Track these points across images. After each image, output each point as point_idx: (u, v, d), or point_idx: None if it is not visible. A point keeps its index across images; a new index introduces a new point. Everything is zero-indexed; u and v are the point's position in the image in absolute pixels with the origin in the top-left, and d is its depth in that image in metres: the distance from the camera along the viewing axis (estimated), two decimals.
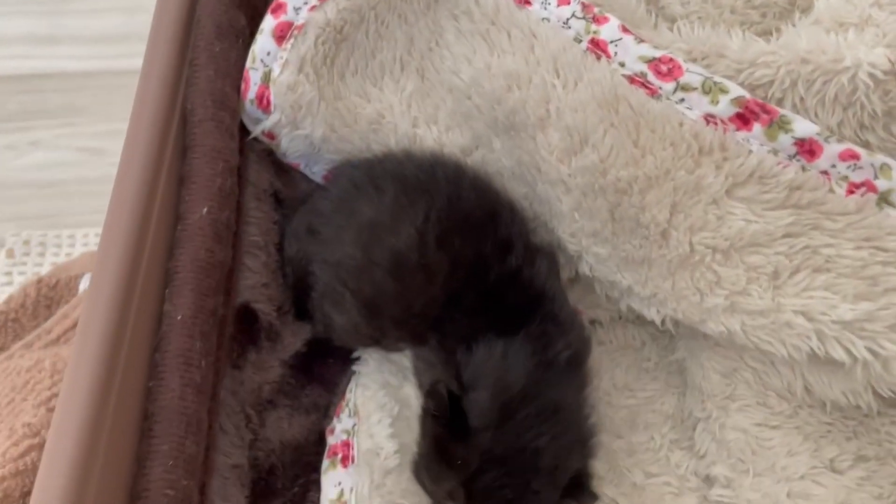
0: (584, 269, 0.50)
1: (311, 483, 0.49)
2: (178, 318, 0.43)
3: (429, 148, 0.53)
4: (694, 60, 0.45)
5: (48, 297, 0.66)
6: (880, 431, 0.43)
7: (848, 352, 0.39)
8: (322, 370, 0.54)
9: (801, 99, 0.44)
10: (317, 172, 0.58)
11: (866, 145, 0.44)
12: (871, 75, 0.42)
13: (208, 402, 0.43)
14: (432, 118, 0.53)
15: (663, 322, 0.48)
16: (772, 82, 0.44)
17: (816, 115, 0.44)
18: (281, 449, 0.49)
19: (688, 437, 0.50)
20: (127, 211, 0.44)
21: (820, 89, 0.43)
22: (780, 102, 0.45)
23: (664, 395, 0.52)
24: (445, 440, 0.40)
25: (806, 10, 0.52)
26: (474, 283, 0.42)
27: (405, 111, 0.53)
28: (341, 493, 0.48)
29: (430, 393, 0.41)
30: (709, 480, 0.47)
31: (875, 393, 0.41)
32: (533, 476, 0.39)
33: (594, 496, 0.42)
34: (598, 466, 0.48)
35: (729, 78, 0.44)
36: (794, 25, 0.50)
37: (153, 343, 0.43)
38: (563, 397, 0.41)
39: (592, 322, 0.56)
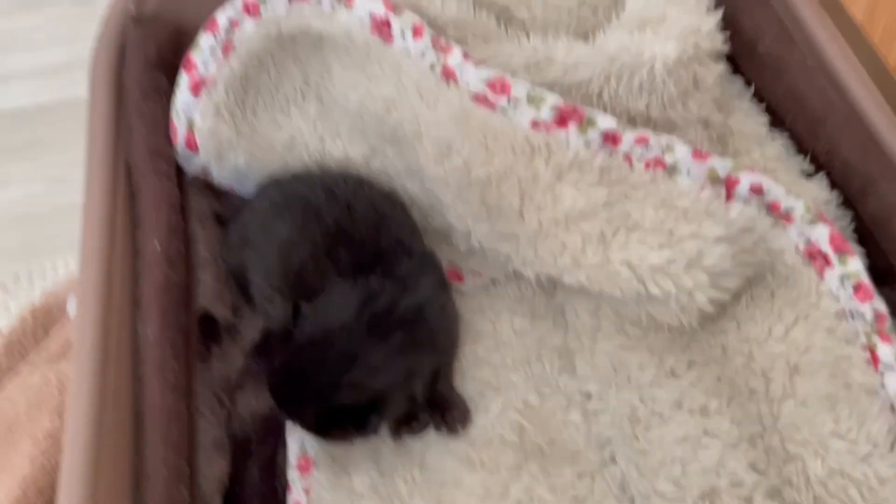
0: (475, 242, 0.62)
1: (280, 443, 0.61)
2: (150, 334, 0.54)
3: (337, 159, 0.64)
4: (528, 68, 0.56)
5: (43, 321, 0.77)
6: (703, 342, 0.55)
7: (660, 288, 0.51)
8: None
9: (615, 90, 0.55)
10: (248, 190, 0.68)
11: (669, 120, 0.55)
12: (664, 65, 0.53)
13: (185, 396, 0.55)
14: (336, 133, 0.64)
15: (538, 278, 0.60)
16: (591, 79, 0.55)
17: (629, 100, 0.55)
18: (252, 421, 0.62)
19: (571, 363, 0.62)
20: (95, 255, 0.55)
21: (627, 81, 0.55)
22: (599, 94, 0.56)
23: (553, 332, 0.64)
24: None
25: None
26: (359, 275, 0.54)
27: (312, 131, 0.63)
28: (304, 447, 0.60)
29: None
30: (587, 396, 0.60)
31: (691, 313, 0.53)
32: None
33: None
34: (504, 396, 0.61)
35: (558, 79, 0.56)
36: (617, 18, 0.61)
37: (134, 357, 0.54)
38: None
39: (493, 281, 0.68)
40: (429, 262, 0.57)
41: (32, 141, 1.08)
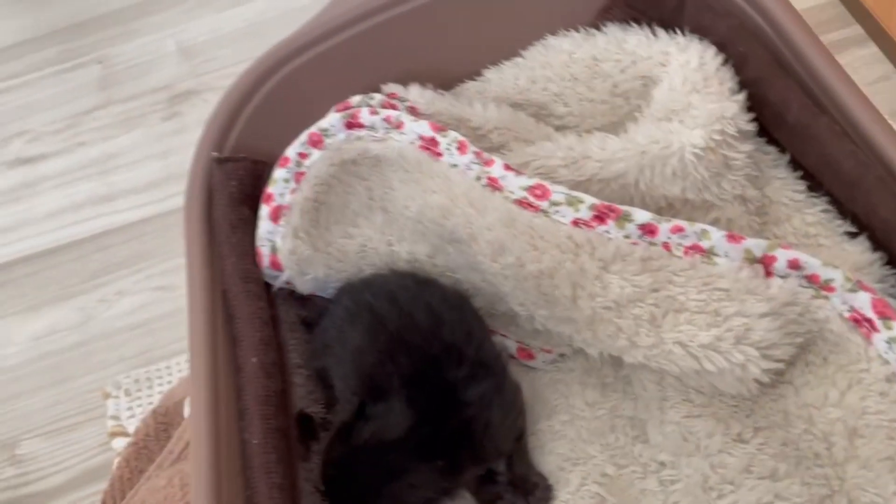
0: (538, 325, 0.66)
1: None
2: (255, 442, 0.61)
3: (405, 259, 0.70)
4: (567, 166, 0.61)
5: (164, 423, 0.86)
6: (765, 407, 0.57)
7: (714, 364, 0.54)
8: None
9: (650, 179, 0.59)
10: (329, 293, 0.75)
11: (706, 201, 0.59)
12: (693, 153, 0.57)
13: (291, 494, 0.61)
14: (401, 237, 0.70)
15: (601, 354, 0.64)
16: (626, 171, 0.59)
17: (664, 187, 0.59)
18: None
19: (644, 432, 0.65)
20: (202, 375, 0.63)
21: (660, 170, 0.58)
22: (636, 184, 0.60)
23: (623, 402, 0.67)
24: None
25: (656, 82, 0.66)
26: (415, 385, 0.59)
27: (380, 237, 0.70)
28: None
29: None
30: (662, 464, 0.63)
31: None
32: None
33: None
34: (583, 469, 0.65)
35: (596, 173, 0.60)
36: (647, 105, 0.65)
37: (241, 463, 0.61)
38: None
39: (562, 356, 0.72)
40: (481, 369, 0.61)
41: (138, 253, 1.19)
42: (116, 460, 0.86)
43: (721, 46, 0.63)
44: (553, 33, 0.71)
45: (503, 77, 0.71)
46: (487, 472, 0.64)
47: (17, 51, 1.53)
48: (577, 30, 0.70)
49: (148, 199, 1.28)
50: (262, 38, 1.46)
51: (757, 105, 0.61)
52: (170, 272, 1.14)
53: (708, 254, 0.54)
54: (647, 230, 0.55)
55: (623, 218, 0.55)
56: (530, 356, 0.71)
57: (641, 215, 0.55)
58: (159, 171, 1.31)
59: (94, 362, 1.07)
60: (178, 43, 1.50)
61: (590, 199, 0.56)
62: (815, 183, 0.62)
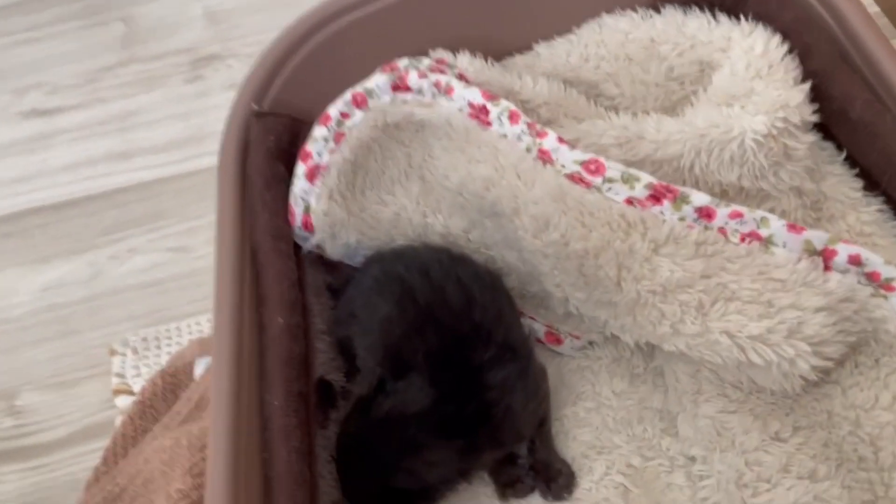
0: (572, 308, 0.65)
1: None
2: (276, 403, 0.59)
3: (439, 232, 0.68)
4: (620, 145, 0.59)
5: (171, 383, 0.84)
6: (807, 406, 0.56)
7: (761, 357, 0.52)
8: None
9: (706, 164, 0.57)
10: (357, 262, 0.73)
11: (762, 190, 0.57)
12: (754, 140, 0.55)
13: (308, 459, 0.60)
14: (437, 209, 0.68)
15: (637, 343, 0.62)
16: (682, 154, 0.58)
17: (720, 173, 0.58)
18: None
19: (673, 425, 0.63)
20: (226, 333, 0.61)
21: (718, 155, 0.57)
22: (691, 168, 0.58)
23: (653, 394, 0.65)
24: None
25: (715, 68, 0.65)
26: (440, 363, 0.57)
27: (415, 207, 0.68)
28: None
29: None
30: (691, 459, 0.61)
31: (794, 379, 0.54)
32: None
33: None
34: (608, 458, 0.63)
35: (649, 155, 0.58)
36: (704, 90, 0.63)
37: (261, 424, 0.59)
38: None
39: (591, 343, 0.70)
40: (508, 352, 0.59)
41: (154, 212, 1.17)
42: (120, 418, 0.84)
43: (784, 35, 0.61)
44: (609, 12, 0.69)
45: (554, 53, 0.69)
46: (508, 455, 0.63)
47: (40, 3, 1.50)
48: (634, 10, 0.68)
49: (166, 159, 1.25)
50: (288, 9, 1.43)
51: (819, 98, 0.59)
52: (184, 234, 1.11)
53: (766, 242, 0.53)
54: (704, 213, 0.53)
55: (680, 199, 0.53)
56: (558, 341, 0.69)
57: (700, 198, 0.53)
58: (179, 132, 1.28)
59: (102, 318, 1.04)
60: (204, 7, 1.47)
61: (647, 178, 0.54)
62: (870, 182, 0.60)
